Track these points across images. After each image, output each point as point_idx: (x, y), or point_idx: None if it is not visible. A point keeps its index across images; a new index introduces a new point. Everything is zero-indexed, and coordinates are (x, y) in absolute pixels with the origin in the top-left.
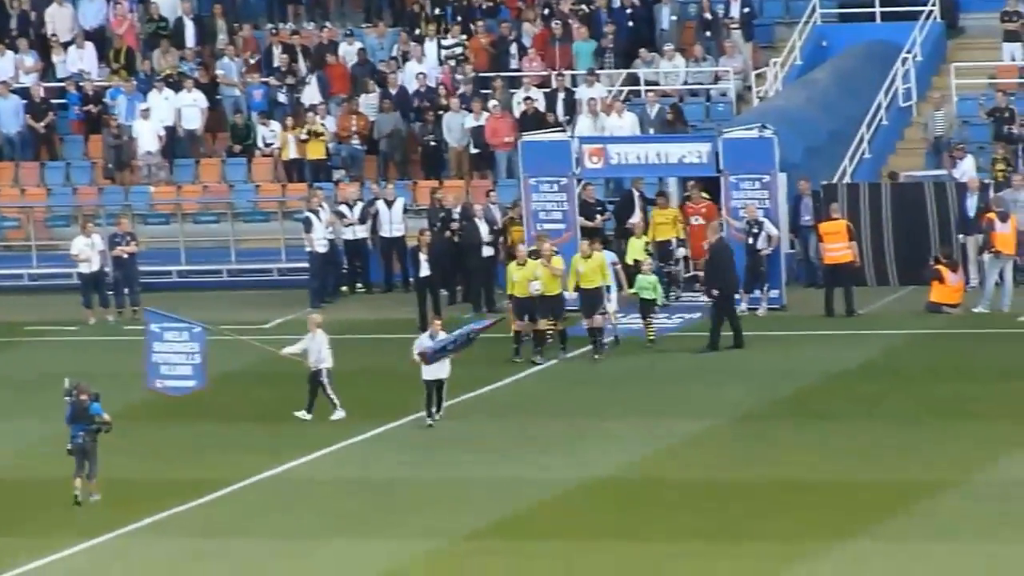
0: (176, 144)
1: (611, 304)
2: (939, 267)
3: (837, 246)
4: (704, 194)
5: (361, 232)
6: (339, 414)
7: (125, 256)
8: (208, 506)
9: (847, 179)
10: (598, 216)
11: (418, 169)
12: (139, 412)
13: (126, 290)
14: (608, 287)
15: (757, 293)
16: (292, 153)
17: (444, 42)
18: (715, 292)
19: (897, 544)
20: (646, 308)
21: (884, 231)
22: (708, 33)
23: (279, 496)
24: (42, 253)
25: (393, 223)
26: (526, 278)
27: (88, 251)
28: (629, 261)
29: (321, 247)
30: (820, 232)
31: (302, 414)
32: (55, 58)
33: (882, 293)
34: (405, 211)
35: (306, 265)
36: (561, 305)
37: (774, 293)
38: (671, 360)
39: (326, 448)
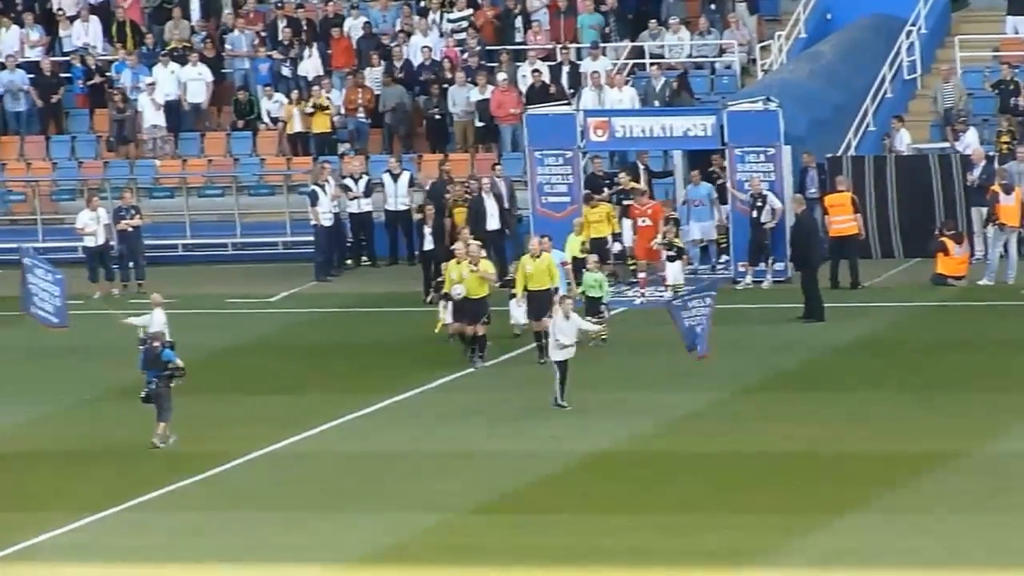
0: (181, 118)
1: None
2: (944, 239)
3: (842, 218)
4: (648, 198)
5: (366, 205)
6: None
7: (130, 230)
8: (211, 480)
9: (852, 152)
10: (605, 189)
11: (423, 143)
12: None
13: (131, 264)
14: (556, 288)
15: (762, 266)
16: (297, 127)
17: (449, 15)
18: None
19: (901, 516)
20: (593, 306)
21: (889, 203)
22: (713, 6)
23: (282, 470)
24: (48, 227)
25: (398, 196)
26: (457, 279)
27: (93, 225)
28: (567, 259)
29: (326, 220)
30: (825, 204)
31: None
32: (61, 32)
33: (887, 265)
34: (411, 184)
35: (311, 239)
36: (485, 308)
37: (779, 266)
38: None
39: (331, 422)
